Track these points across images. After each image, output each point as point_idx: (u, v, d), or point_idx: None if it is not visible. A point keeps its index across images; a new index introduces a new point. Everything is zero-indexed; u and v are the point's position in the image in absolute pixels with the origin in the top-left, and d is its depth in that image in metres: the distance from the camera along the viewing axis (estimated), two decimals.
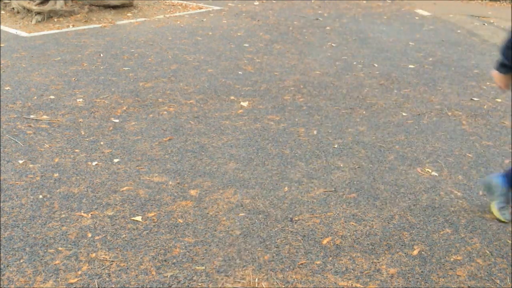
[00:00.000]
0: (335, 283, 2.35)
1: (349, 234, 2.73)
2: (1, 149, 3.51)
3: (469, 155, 3.75)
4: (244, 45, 6.64)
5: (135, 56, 5.90)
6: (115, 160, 3.44)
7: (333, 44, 6.81)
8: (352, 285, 2.34)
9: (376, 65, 5.96)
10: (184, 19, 8.26)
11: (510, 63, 2.56)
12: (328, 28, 7.80)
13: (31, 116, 4.09)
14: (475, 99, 4.98)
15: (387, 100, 4.82)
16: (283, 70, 5.60)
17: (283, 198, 3.05)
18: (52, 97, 4.53)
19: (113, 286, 2.28)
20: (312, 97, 4.80)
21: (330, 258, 2.52)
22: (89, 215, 2.80)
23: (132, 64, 5.60)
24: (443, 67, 6.04)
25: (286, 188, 3.17)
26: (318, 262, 2.48)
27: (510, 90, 2.76)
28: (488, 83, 5.48)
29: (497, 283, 2.40)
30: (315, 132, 4.02)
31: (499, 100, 4.98)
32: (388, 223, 2.84)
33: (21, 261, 2.41)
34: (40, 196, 2.96)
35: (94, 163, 3.38)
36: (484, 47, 7.20)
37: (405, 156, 3.68)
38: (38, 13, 7.47)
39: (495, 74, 2.69)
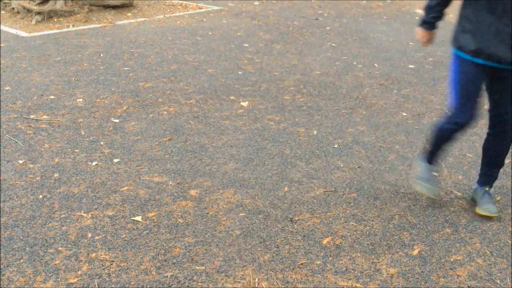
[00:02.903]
0: (335, 283, 2.35)
1: (349, 234, 2.73)
2: (1, 149, 3.51)
3: (469, 155, 3.75)
4: (244, 45, 6.64)
5: (135, 56, 5.90)
6: (115, 160, 3.44)
7: (333, 44, 6.81)
8: (352, 285, 2.34)
9: (376, 65, 5.96)
10: (184, 19, 8.26)
11: (431, 19, 3.07)
12: (328, 28, 7.80)
13: (31, 116, 4.09)
14: None
15: (387, 100, 4.82)
16: (283, 70, 5.60)
17: (283, 198, 3.05)
18: (52, 97, 4.53)
19: (113, 286, 2.28)
20: (312, 97, 4.80)
21: (330, 258, 2.52)
22: (89, 215, 2.80)
23: (132, 64, 5.60)
24: (443, 67, 6.04)
25: (286, 188, 3.17)
26: (318, 262, 2.48)
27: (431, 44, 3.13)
28: None
29: (497, 283, 2.40)
30: (315, 132, 4.02)
31: None
32: (388, 223, 2.84)
33: (21, 261, 2.41)
34: (40, 196, 2.96)
35: (94, 163, 3.38)
36: None
37: (405, 156, 3.68)
38: (38, 13, 7.47)
39: (418, 30, 3.08)
